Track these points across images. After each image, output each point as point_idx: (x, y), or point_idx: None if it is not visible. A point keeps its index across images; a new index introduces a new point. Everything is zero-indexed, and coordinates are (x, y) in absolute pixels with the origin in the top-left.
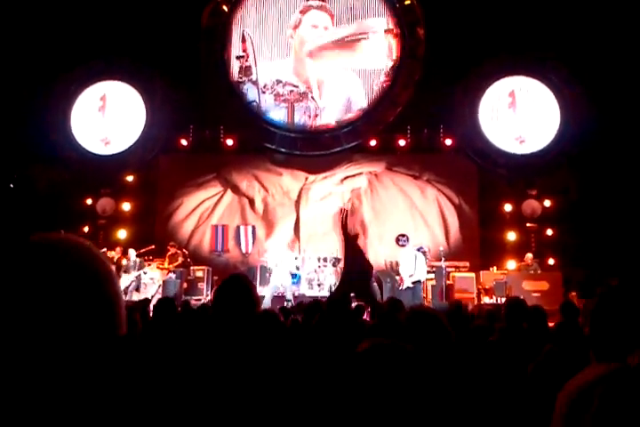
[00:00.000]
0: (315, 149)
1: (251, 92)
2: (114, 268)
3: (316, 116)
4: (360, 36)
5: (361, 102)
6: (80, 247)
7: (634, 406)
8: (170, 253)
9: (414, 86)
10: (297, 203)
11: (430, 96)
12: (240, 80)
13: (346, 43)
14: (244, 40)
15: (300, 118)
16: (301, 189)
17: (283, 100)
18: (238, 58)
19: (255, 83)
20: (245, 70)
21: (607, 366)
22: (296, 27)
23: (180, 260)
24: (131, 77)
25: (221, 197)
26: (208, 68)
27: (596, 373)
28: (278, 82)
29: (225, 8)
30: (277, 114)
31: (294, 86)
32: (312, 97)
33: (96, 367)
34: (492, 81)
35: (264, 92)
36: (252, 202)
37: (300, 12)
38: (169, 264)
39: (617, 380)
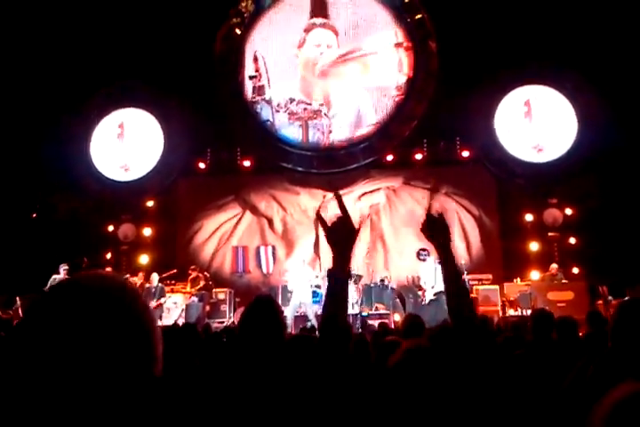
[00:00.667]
0: (331, 167)
1: (265, 111)
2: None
3: (330, 132)
4: (369, 52)
5: (370, 118)
6: (122, 288)
7: None
8: (191, 276)
9: (428, 99)
10: (316, 221)
11: (445, 108)
12: (254, 100)
13: (355, 59)
14: (255, 60)
15: (314, 135)
16: (319, 207)
17: (297, 119)
18: (251, 78)
19: (269, 102)
20: (259, 90)
21: (633, 386)
22: (300, 46)
23: (202, 283)
24: (147, 104)
25: (240, 218)
26: (223, 91)
27: (632, 390)
28: (292, 100)
29: (238, 31)
30: (291, 132)
31: (307, 104)
32: (325, 114)
33: (130, 406)
34: (507, 91)
35: (278, 111)
36: (270, 222)
37: (304, 30)
38: (191, 288)
39: None
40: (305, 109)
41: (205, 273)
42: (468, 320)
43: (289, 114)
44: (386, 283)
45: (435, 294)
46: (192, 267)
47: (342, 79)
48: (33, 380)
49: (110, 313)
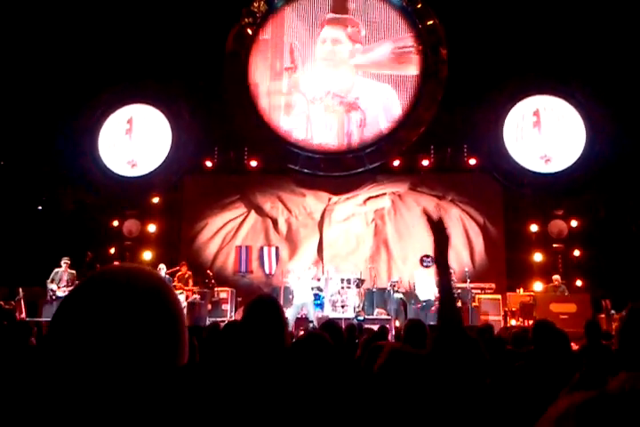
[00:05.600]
0: (338, 170)
1: (300, 104)
2: None
3: (364, 126)
4: (401, 51)
5: (396, 110)
6: (153, 280)
7: None
8: (180, 273)
9: (437, 106)
10: (320, 224)
11: (453, 115)
12: (288, 93)
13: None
14: (292, 51)
15: (349, 129)
16: (324, 209)
17: (333, 111)
18: (287, 69)
19: (304, 94)
20: (294, 82)
21: (584, 394)
22: (324, 41)
23: (190, 283)
24: (156, 100)
25: (245, 218)
26: (232, 90)
27: (573, 401)
28: (327, 93)
29: (249, 31)
30: (326, 125)
31: (341, 97)
32: (359, 107)
33: (155, 396)
34: (517, 100)
35: (313, 103)
36: (275, 223)
37: (320, 25)
38: (185, 285)
39: (589, 411)
40: (341, 103)
41: (208, 271)
42: (458, 327)
43: (325, 106)
44: (396, 288)
45: (423, 301)
46: (182, 262)
47: (366, 75)
48: (66, 369)
49: (143, 306)
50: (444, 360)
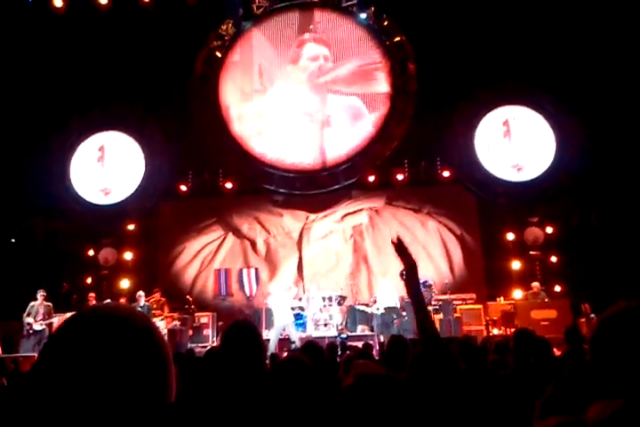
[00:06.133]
0: (313, 188)
1: (272, 124)
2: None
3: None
4: (370, 67)
5: (367, 124)
6: (136, 319)
7: None
8: (154, 299)
9: (408, 120)
10: (299, 242)
11: (425, 129)
12: (259, 115)
13: (357, 73)
14: (261, 74)
15: (322, 147)
16: (302, 228)
17: (305, 130)
18: (257, 91)
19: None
20: (264, 103)
21: (559, 419)
22: (295, 61)
23: (166, 309)
24: (128, 127)
25: (223, 240)
26: (203, 113)
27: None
28: (298, 112)
29: (218, 54)
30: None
31: (313, 115)
32: (330, 123)
33: None
34: (486, 111)
35: (285, 123)
36: (253, 244)
37: (297, 46)
38: (162, 312)
39: None
40: (312, 121)
41: (188, 297)
42: (435, 339)
43: (297, 125)
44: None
45: (385, 309)
46: (155, 289)
47: (336, 93)
48: (54, 406)
49: (130, 344)
50: (423, 379)
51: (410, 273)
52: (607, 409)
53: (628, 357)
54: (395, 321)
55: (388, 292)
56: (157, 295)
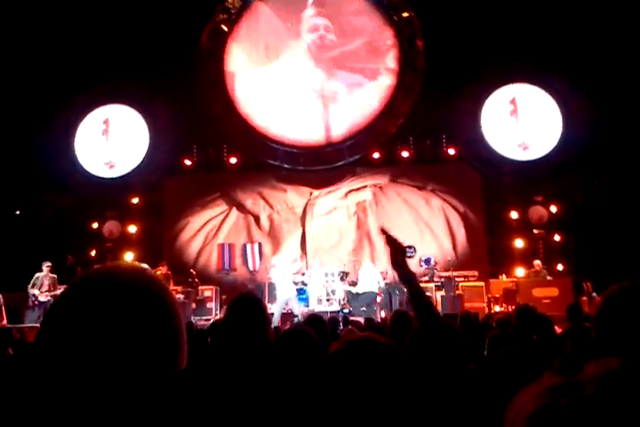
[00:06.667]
0: (318, 164)
1: (278, 99)
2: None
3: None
4: (377, 43)
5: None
6: (150, 279)
7: None
8: (159, 273)
9: (415, 97)
10: (302, 218)
11: (431, 106)
12: (265, 89)
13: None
14: (267, 47)
15: (327, 123)
16: (306, 204)
17: (311, 105)
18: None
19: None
20: (270, 77)
21: (554, 380)
22: (298, 34)
23: (171, 282)
24: (132, 100)
25: (227, 215)
26: (208, 88)
27: (537, 388)
28: (305, 87)
29: (224, 28)
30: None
31: (319, 90)
32: (337, 100)
33: (153, 403)
34: (493, 89)
35: (291, 98)
36: (257, 219)
37: (300, 20)
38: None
39: (556, 397)
40: (319, 96)
41: (191, 270)
42: (436, 319)
43: (303, 100)
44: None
45: (363, 293)
46: (161, 263)
47: (343, 68)
48: (59, 374)
49: (140, 306)
50: (424, 352)
51: (399, 262)
52: (605, 367)
53: (632, 334)
54: (376, 301)
55: (370, 276)
56: (164, 269)
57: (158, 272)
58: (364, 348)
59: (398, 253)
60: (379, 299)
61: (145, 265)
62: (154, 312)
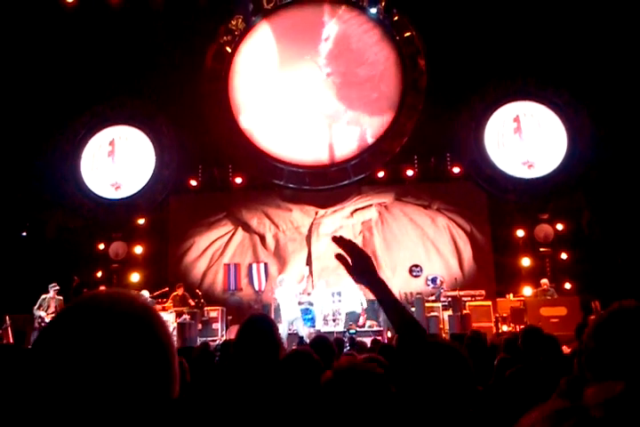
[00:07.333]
0: (323, 184)
1: (283, 119)
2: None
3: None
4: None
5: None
6: (142, 307)
7: None
8: (175, 293)
9: (418, 116)
10: (308, 238)
11: (435, 125)
12: (270, 109)
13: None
14: (271, 69)
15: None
16: (312, 223)
17: (315, 125)
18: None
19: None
20: (275, 98)
21: (557, 404)
22: (304, 55)
23: (191, 303)
24: (138, 121)
25: (232, 235)
26: (213, 108)
27: (543, 411)
28: (309, 107)
29: (228, 49)
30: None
31: (323, 110)
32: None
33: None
34: (496, 107)
35: (296, 118)
36: (263, 239)
37: (306, 41)
38: (174, 306)
39: (559, 422)
40: (324, 116)
41: (197, 291)
42: (417, 335)
43: (307, 120)
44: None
45: (347, 313)
46: (178, 284)
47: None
48: (48, 402)
49: (131, 333)
50: (412, 373)
51: (359, 270)
52: (609, 391)
53: (624, 358)
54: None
55: (352, 296)
56: (180, 291)
57: (175, 293)
58: (351, 377)
59: (360, 260)
60: (361, 319)
61: (145, 292)
62: (144, 340)
